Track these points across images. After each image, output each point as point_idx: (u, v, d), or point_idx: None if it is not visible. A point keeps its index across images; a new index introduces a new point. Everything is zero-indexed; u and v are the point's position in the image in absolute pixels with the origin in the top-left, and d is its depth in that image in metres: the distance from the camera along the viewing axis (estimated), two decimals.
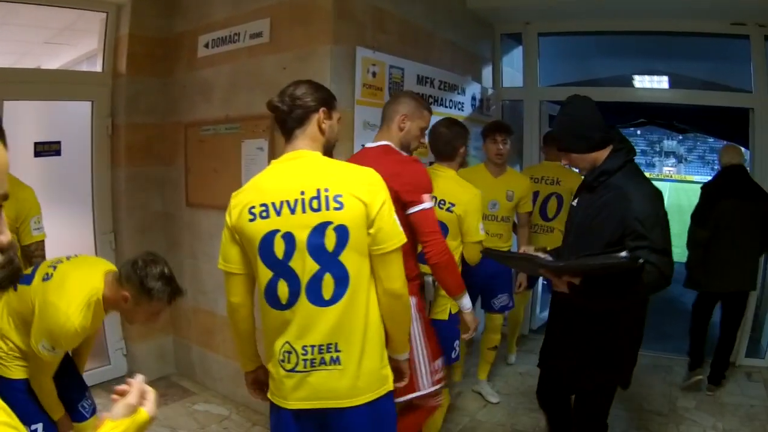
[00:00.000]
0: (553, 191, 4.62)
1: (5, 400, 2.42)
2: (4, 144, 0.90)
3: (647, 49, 5.93)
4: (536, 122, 5.56)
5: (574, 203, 2.68)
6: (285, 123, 2.07)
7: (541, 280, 5.22)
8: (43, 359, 2.31)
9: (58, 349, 2.30)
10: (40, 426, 2.42)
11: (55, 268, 2.40)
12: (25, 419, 2.39)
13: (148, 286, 2.29)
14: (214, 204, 3.93)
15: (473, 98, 4.81)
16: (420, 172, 2.62)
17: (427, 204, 2.57)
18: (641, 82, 6.04)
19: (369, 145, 2.82)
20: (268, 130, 3.54)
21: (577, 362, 2.59)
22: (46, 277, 2.35)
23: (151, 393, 1.32)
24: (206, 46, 4.01)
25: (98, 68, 4.46)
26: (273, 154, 3.48)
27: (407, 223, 2.50)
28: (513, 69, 5.70)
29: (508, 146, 4.02)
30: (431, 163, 3.35)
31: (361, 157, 2.69)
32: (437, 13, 4.29)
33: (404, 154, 2.73)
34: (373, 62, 3.56)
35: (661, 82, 5.94)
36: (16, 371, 2.42)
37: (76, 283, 2.32)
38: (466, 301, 2.79)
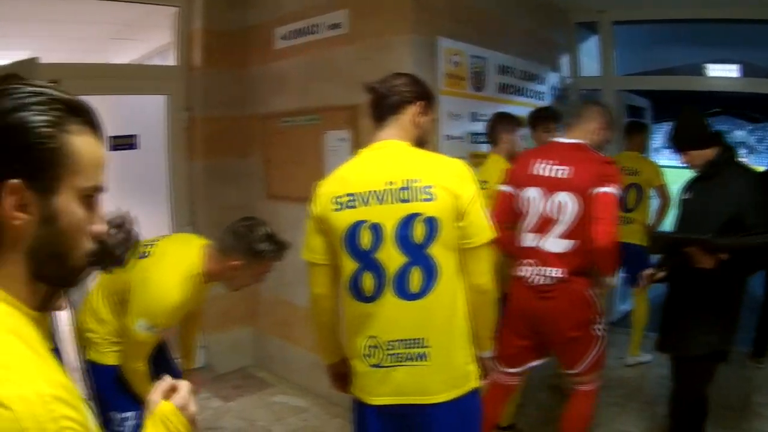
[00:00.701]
0: (632, 182, 4.58)
1: (98, 387, 2.47)
2: (101, 139, 0.97)
3: (720, 38, 5.81)
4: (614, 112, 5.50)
5: (687, 196, 2.94)
6: (379, 108, 2.08)
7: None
8: (139, 341, 2.33)
9: (156, 328, 2.32)
10: (131, 414, 2.45)
11: (151, 245, 2.46)
12: (118, 407, 2.45)
13: (257, 249, 2.35)
14: (295, 196, 3.98)
15: (553, 88, 4.80)
16: (616, 171, 2.81)
17: (612, 190, 2.70)
18: (714, 70, 5.93)
19: (560, 140, 2.95)
20: (350, 121, 3.56)
21: (692, 328, 2.80)
22: (143, 255, 2.40)
23: (182, 386, 1.28)
24: (283, 37, 4.09)
25: (172, 62, 4.59)
26: (356, 145, 3.51)
27: (588, 211, 2.70)
28: (586, 58, 5.64)
29: None
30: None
31: (549, 150, 2.90)
32: (511, 1, 4.29)
33: (599, 153, 2.89)
34: (454, 52, 3.60)
35: (732, 70, 5.83)
36: (111, 357, 2.47)
37: (174, 258, 2.38)
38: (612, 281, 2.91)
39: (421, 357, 1.93)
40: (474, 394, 2.02)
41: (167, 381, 1.27)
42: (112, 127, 4.28)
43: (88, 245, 0.97)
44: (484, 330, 2.08)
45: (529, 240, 2.86)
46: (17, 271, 0.90)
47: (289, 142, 4.08)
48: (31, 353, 0.84)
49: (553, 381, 4.17)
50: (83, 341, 2.53)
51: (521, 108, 4.08)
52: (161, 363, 2.68)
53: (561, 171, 2.79)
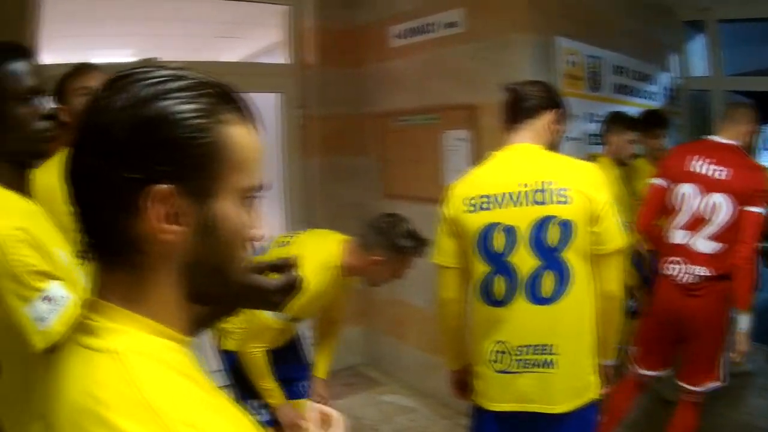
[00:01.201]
0: None
1: (234, 376, 2.55)
2: (255, 129, 0.84)
3: None
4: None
5: None
6: (515, 110, 2.09)
7: None
8: (264, 324, 2.39)
9: (285, 314, 2.33)
10: (256, 402, 2.53)
11: (291, 236, 2.57)
12: (256, 395, 2.51)
13: (399, 244, 2.39)
14: (413, 195, 4.02)
15: (664, 89, 4.68)
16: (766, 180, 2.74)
17: (759, 210, 2.66)
18: None
19: (715, 139, 2.89)
20: (469, 121, 3.55)
21: None
22: (282, 244, 2.49)
23: (338, 422, 1.12)
24: (398, 36, 4.12)
25: (281, 60, 4.69)
26: (475, 145, 3.50)
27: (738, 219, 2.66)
28: (695, 58, 5.45)
29: None
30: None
31: (705, 148, 2.86)
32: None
33: (753, 158, 2.89)
34: (571, 51, 3.56)
35: None
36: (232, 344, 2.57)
37: (312, 248, 2.44)
38: (745, 321, 2.77)
39: (548, 364, 1.94)
40: (593, 405, 2.02)
41: (318, 408, 1.14)
42: None
43: (248, 255, 0.85)
44: (610, 338, 2.07)
45: (679, 237, 2.82)
46: (168, 295, 0.78)
47: (407, 141, 4.12)
48: (208, 397, 0.73)
49: (659, 389, 4.05)
50: (218, 331, 2.63)
51: (635, 109, 4.01)
52: (291, 361, 2.78)
53: (719, 172, 2.74)
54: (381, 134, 4.38)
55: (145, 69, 0.75)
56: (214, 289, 0.84)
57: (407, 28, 4.01)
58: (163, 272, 0.77)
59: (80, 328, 0.77)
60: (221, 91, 0.78)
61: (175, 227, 0.73)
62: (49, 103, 1.57)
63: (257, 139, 0.82)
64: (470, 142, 3.60)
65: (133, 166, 0.71)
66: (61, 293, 1.42)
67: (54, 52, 5.65)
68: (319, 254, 2.42)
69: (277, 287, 1.37)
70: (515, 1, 3.33)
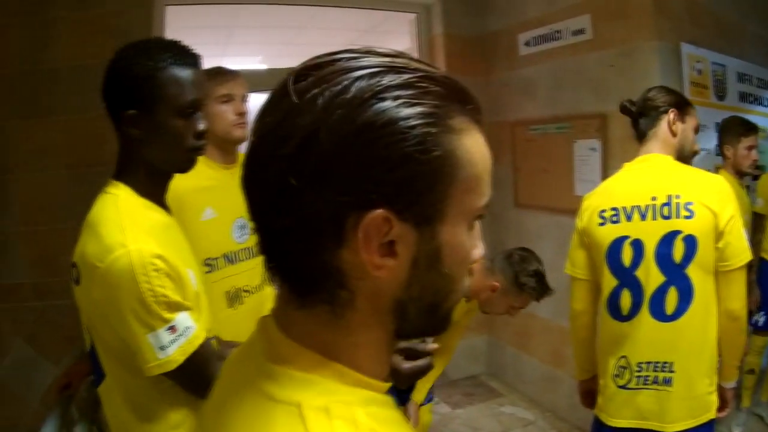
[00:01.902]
0: None
1: None
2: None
3: None
4: None
5: None
6: (637, 125, 2.14)
7: None
8: None
9: None
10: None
11: None
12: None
13: (521, 281, 2.40)
14: (544, 205, 4.05)
15: None
16: None
17: None
18: None
19: None
20: (600, 131, 3.52)
21: None
22: None
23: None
24: (526, 44, 4.14)
25: None
26: (606, 156, 3.46)
27: None
28: None
29: None
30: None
31: None
32: (744, 4, 4.02)
33: None
34: (697, 59, 3.47)
35: None
36: None
37: None
38: None
39: (667, 381, 1.95)
40: (710, 425, 1.99)
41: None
42: None
43: (467, 282, 0.69)
44: (731, 359, 2.04)
45: None
46: (372, 336, 0.66)
47: (539, 150, 4.13)
48: None
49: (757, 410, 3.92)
50: None
51: (760, 118, 3.86)
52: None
53: None
54: (512, 143, 4.39)
55: (350, 56, 0.62)
56: (426, 327, 0.70)
57: (536, 35, 4.03)
58: (370, 311, 0.64)
59: (259, 368, 0.66)
60: (450, 88, 0.63)
61: (389, 260, 0.60)
62: (203, 122, 1.55)
63: (486, 146, 0.68)
64: (600, 152, 3.56)
65: (341, 186, 0.57)
66: (186, 324, 1.43)
67: None
68: None
69: (410, 372, 1.38)
70: (641, 7, 3.28)
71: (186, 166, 1.60)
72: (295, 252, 0.61)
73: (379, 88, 0.57)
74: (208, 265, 2.32)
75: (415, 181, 0.58)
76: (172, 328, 1.40)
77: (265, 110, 0.63)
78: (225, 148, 2.45)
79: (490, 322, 4.70)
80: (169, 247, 1.46)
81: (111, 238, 1.39)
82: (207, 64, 5.18)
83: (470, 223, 0.65)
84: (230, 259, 2.40)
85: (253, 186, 0.63)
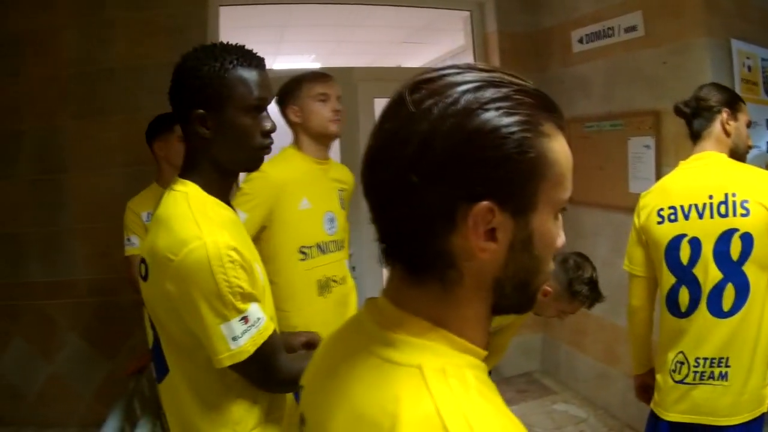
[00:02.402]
0: None
1: None
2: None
3: None
4: None
5: None
6: (691, 125, 2.17)
7: None
8: None
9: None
10: None
11: None
12: None
13: (574, 288, 2.39)
14: (599, 202, 4.05)
15: None
16: None
17: None
18: None
19: None
20: (654, 128, 3.52)
21: None
22: None
23: None
24: (580, 41, 4.15)
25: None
26: (660, 153, 3.46)
27: None
28: None
29: None
30: None
31: None
32: None
33: None
34: (747, 55, 3.42)
35: None
36: None
37: None
38: None
39: (722, 377, 1.99)
40: (761, 419, 2.03)
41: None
42: None
43: (552, 265, 0.83)
44: None
45: None
46: (476, 309, 0.77)
47: (592, 147, 4.14)
48: (505, 419, 0.69)
49: None
50: None
51: None
52: None
53: None
54: (569, 140, 4.35)
55: (455, 71, 0.73)
56: (518, 302, 0.81)
57: (589, 32, 4.03)
58: (474, 288, 0.75)
59: (376, 338, 0.77)
60: (539, 99, 0.75)
61: (492, 245, 0.71)
62: (270, 121, 1.61)
63: (568, 148, 0.80)
64: (654, 149, 3.56)
65: (454, 182, 0.69)
66: (258, 315, 1.49)
67: None
68: None
69: None
70: (691, 3, 3.27)
71: (253, 164, 1.67)
72: (413, 237, 0.73)
73: (483, 100, 0.69)
74: (303, 252, 2.54)
75: (514, 178, 0.70)
76: (244, 319, 1.46)
77: (384, 118, 0.75)
78: (320, 144, 2.68)
79: (547, 321, 4.66)
80: (240, 241, 1.52)
81: (186, 232, 1.45)
82: None
83: (556, 213, 0.79)
84: (322, 248, 2.60)
85: (376, 182, 0.75)
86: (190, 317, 1.46)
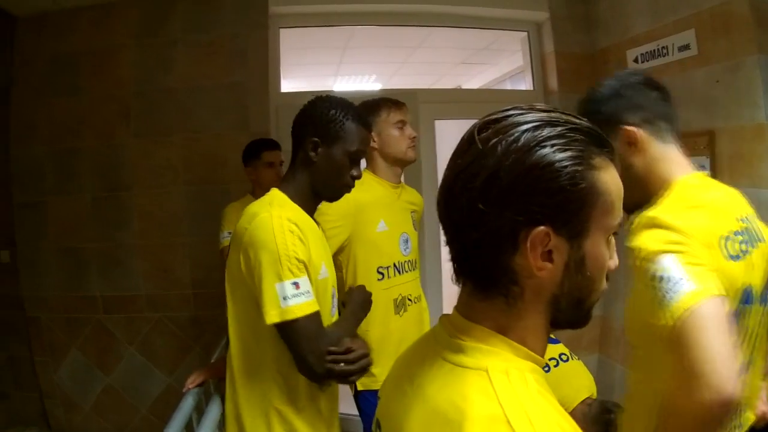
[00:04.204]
0: None
1: None
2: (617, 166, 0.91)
3: None
4: None
5: None
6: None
7: None
8: None
9: None
10: None
11: None
12: None
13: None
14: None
15: None
16: None
17: None
18: None
19: None
20: (708, 147, 3.55)
21: None
22: None
23: None
24: (635, 60, 4.19)
25: (523, 86, 4.94)
26: (715, 173, 3.49)
27: None
28: None
29: None
30: None
31: None
32: None
33: None
34: None
35: None
36: None
37: None
38: None
39: None
40: None
41: None
42: None
43: (605, 285, 0.93)
44: None
45: None
46: (536, 322, 0.89)
47: None
48: (562, 420, 0.79)
49: None
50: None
51: None
52: None
53: None
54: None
55: (518, 112, 0.86)
56: (571, 317, 0.92)
57: (644, 51, 4.08)
58: (534, 302, 0.87)
59: (447, 346, 0.91)
60: (591, 135, 0.86)
61: (548, 264, 0.83)
62: (360, 170, 2.05)
63: (618, 178, 0.90)
64: (710, 169, 3.58)
65: (516, 209, 0.81)
66: (308, 288, 1.77)
67: (294, 80, 6.39)
68: None
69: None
70: (742, 21, 3.29)
71: (337, 195, 2.07)
72: (481, 257, 0.86)
73: (540, 138, 0.82)
74: (380, 273, 2.73)
75: (568, 206, 0.82)
76: (296, 284, 1.73)
77: (457, 154, 0.89)
78: (396, 169, 2.89)
79: (602, 341, 4.75)
80: (308, 232, 1.86)
81: (258, 208, 1.85)
82: (322, 84, 5.52)
83: (607, 238, 0.89)
84: (398, 269, 2.79)
85: (450, 210, 0.88)
86: (253, 276, 1.77)
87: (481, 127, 0.87)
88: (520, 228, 0.82)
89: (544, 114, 0.85)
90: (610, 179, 0.86)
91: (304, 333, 1.75)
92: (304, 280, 1.77)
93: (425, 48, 5.69)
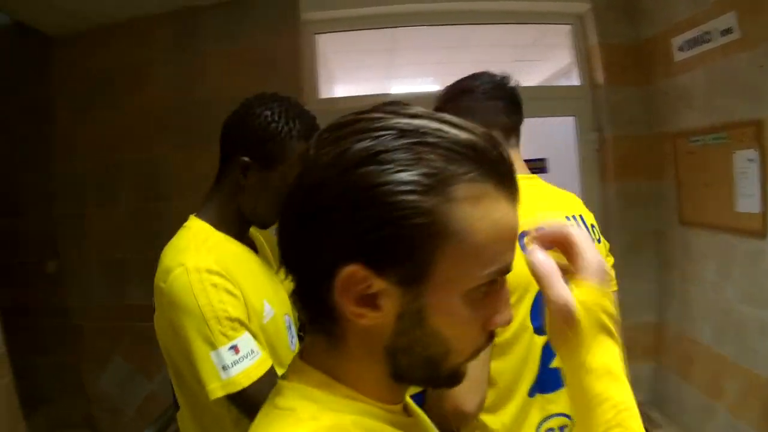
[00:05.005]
0: None
1: None
2: (515, 200, 0.72)
3: None
4: None
5: None
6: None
7: None
8: None
9: None
10: None
11: None
12: None
13: None
14: (706, 222, 3.84)
15: None
16: None
17: None
18: None
19: None
20: (756, 139, 3.31)
21: None
22: None
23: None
24: (680, 49, 3.98)
25: (575, 81, 4.75)
26: (765, 167, 3.24)
27: None
28: None
29: None
30: None
31: None
32: None
33: None
34: None
35: None
36: None
37: None
38: None
39: None
40: None
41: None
42: (522, 150, 4.56)
43: (481, 342, 0.74)
44: None
45: None
46: (367, 370, 0.73)
47: (699, 163, 3.93)
48: None
49: None
50: None
51: None
52: None
53: None
54: (674, 156, 4.20)
55: (367, 116, 0.68)
56: (428, 377, 0.74)
57: (687, 39, 3.85)
58: (362, 349, 0.71)
59: (276, 388, 0.77)
60: (465, 152, 0.65)
61: (368, 311, 0.67)
62: None
63: (512, 214, 0.69)
64: (758, 163, 3.32)
65: (332, 238, 0.65)
66: (251, 347, 1.45)
67: (347, 85, 6.40)
68: None
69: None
70: None
71: (268, 223, 1.72)
72: (303, 289, 0.73)
73: (374, 150, 0.63)
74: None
75: (395, 244, 0.63)
76: (234, 348, 1.42)
77: (300, 161, 0.73)
78: None
79: (657, 349, 4.52)
80: (238, 271, 1.53)
81: (171, 260, 1.52)
82: (378, 87, 5.49)
83: (472, 289, 0.68)
84: None
85: (280, 227, 0.75)
86: (185, 346, 1.46)
87: (326, 129, 0.71)
88: (337, 262, 0.65)
89: (410, 120, 0.66)
90: (478, 215, 0.65)
91: (256, 400, 1.34)
92: (243, 340, 1.45)
93: (473, 47, 5.57)
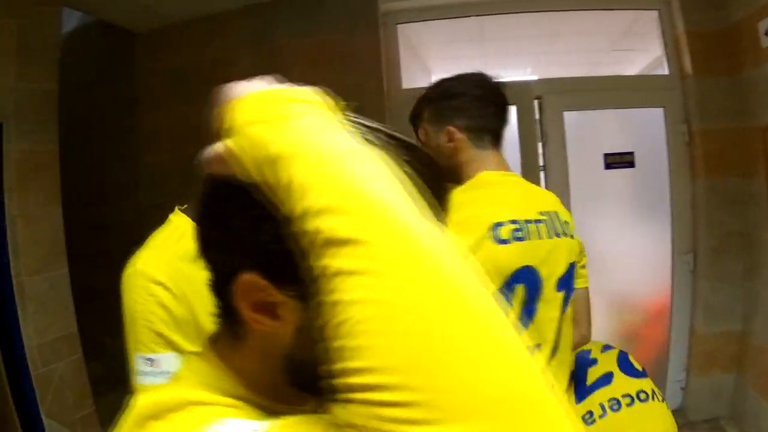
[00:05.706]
0: None
1: None
2: None
3: None
4: None
5: None
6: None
7: None
8: None
9: None
10: None
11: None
12: None
13: None
14: None
15: None
16: None
17: None
18: None
19: None
20: None
21: None
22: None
23: None
24: (766, 33, 3.58)
25: (665, 71, 4.49)
26: None
27: None
28: None
29: None
30: None
31: None
32: None
33: None
34: None
35: None
36: None
37: None
38: None
39: None
40: None
41: None
42: (607, 143, 4.42)
43: None
44: None
45: None
46: (267, 373, 0.70)
47: None
48: None
49: None
50: None
51: None
52: None
53: None
54: (765, 151, 3.84)
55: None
56: (316, 386, 0.64)
57: None
58: (260, 352, 0.69)
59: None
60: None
61: (266, 319, 0.64)
62: None
63: None
64: None
65: (236, 243, 0.64)
66: (170, 368, 1.36)
67: (444, 74, 6.28)
68: None
69: None
70: None
71: None
72: (214, 287, 0.70)
73: None
74: None
75: (291, 259, 0.56)
76: (151, 361, 1.38)
77: None
78: None
79: (739, 360, 4.18)
80: (191, 283, 1.42)
81: (135, 255, 1.52)
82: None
83: None
84: None
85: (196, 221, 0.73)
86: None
87: None
88: (236, 269, 0.63)
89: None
90: None
91: None
92: (166, 358, 1.39)
93: (564, 35, 5.41)
